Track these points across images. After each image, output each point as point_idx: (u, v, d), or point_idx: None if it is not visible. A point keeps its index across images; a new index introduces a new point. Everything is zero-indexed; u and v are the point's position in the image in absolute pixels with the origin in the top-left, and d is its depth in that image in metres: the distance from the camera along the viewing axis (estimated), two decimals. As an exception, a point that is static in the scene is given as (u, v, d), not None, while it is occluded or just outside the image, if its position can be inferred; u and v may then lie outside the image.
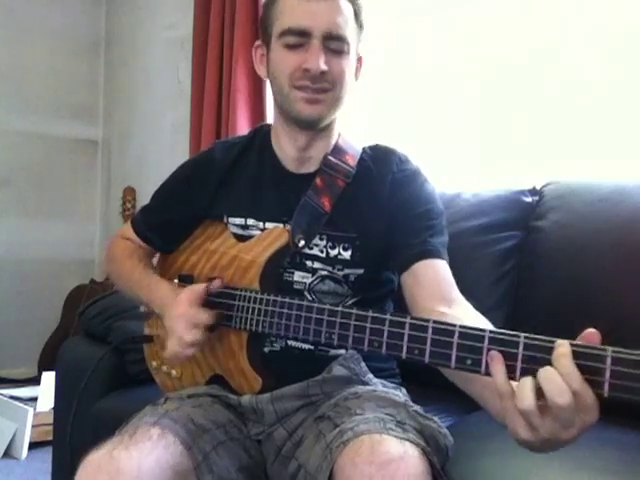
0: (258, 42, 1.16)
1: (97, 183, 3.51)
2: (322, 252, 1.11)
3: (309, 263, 1.12)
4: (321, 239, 1.11)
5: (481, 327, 0.76)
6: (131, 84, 3.31)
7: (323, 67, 1.04)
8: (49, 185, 3.33)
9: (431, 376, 1.22)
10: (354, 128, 2.11)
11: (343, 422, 0.91)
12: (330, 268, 1.11)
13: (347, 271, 1.12)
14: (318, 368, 1.08)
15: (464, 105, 2.02)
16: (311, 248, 1.11)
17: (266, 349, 1.12)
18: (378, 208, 1.11)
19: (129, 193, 3.19)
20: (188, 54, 2.69)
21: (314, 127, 1.11)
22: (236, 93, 2.32)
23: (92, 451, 0.89)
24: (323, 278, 1.12)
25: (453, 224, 1.51)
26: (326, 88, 1.06)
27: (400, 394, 1.10)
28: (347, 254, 1.11)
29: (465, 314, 0.96)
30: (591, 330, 0.70)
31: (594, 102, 1.74)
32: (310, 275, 1.12)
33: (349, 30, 1.07)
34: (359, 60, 1.14)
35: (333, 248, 1.11)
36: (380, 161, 1.15)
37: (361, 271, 1.12)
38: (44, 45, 3.28)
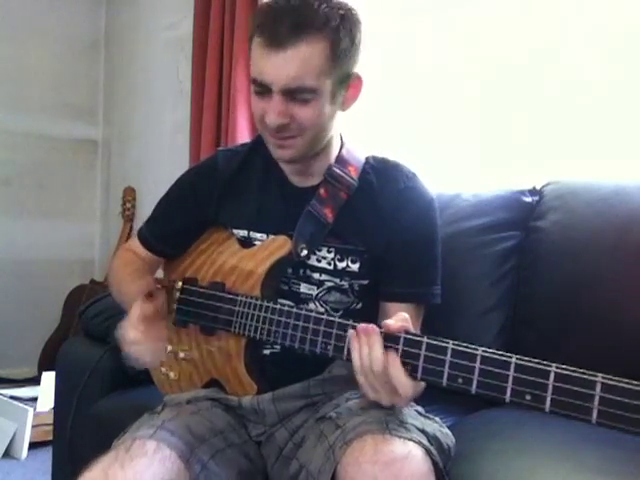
0: None
1: (97, 183, 3.51)
2: (330, 265, 1.12)
3: (316, 275, 1.12)
4: (329, 252, 1.12)
5: (473, 346, 0.81)
6: (131, 84, 3.30)
7: (277, 122, 1.02)
8: (49, 185, 3.32)
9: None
10: (354, 128, 2.12)
11: (345, 423, 0.91)
12: (337, 280, 1.12)
13: (353, 282, 1.12)
14: (319, 368, 1.09)
15: (464, 105, 2.02)
16: (319, 261, 1.12)
17: (267, 351, 1.12)
18: (383, 222, 1.11)
19: (129, 193, 3.19)
20: (188, 54, 2.69)
21: (295, 163, 1.13)
22: (236, 93, 2.32)
23: (87, 469, 0.89)
24: (329, 289, 1.12)
25: (453, 224, 1.52)
26: (291, 136, 1.05)
27: (401, 394, 1.10)
28: (355, 266, 1.12)
29: None
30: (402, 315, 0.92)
31: (594, 102, 1.74)
32: (315, 287, 1.12)
33: (316, 74, 1.00)
34: (357, 79, 1.09)
35: (341, 261, 1.12)
36: (385, 174, 1.15)
37: (366, 282, 1.13)
38: (44, 45, 3.28)
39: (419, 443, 0.85)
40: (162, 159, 2.99)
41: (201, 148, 2.47)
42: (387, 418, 0.90)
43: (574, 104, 1.78)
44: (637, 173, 1.45)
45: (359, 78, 1.10)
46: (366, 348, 0.87)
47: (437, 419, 1.01)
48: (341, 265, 1.11)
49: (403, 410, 0.95)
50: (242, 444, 1.05)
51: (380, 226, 1.11)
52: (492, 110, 1.96)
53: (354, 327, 0.91)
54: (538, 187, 1.54)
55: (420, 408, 1.02)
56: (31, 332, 3.12)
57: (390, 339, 0.88)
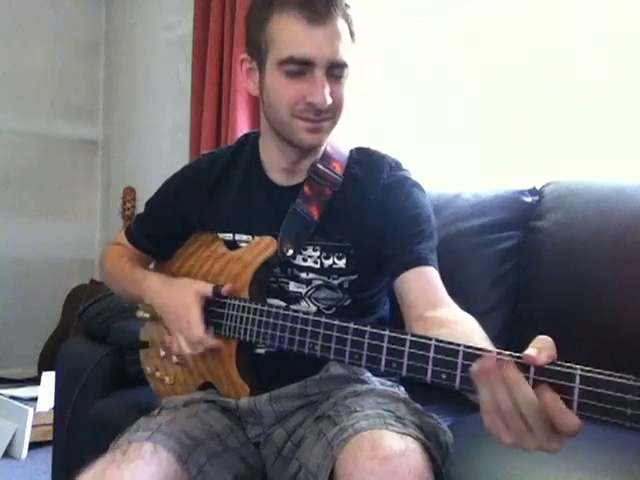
0: (244, 55, 1.12)
1: (97, 183, 3.51)
2: (316, 263, 1.11)
3: (303, 275, 1.12)
4: (315, 250, 1.11)
5: (456, 342, 0.77)
6: (131, 84, 3.30)
7: (329, 100, 1.01)
8: (49, 185, 3.32)
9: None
10: (354, 128, 2.12)
11: (343, 420, 0.91)
12: (325, 278, 1.12)
13: (342, 279, 1.12)
14: (316, 367, 1.09)
15: (464, 105, 2.02)
16: (305, 260, 1.11)
17: (262, 350, 1.12)
18: (370, 214, 1.11)
19: (129, 193, 3.18)
20: (188, 54, 2.69)
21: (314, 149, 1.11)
22: (236, 93, 2.32)
23: (84, 470, 0.89)
24: (318, 287, 1.12)
25: (453, 224, 1.52)
26: (328, 118, 1.05)
27: (399, 392, 1.10)
28: (342, 263, 1.11)
29: (449, 315, 0.97)
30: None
31: (594, 102, 1.74)
32: (305, 285, 1.12)
33: (349, 53, 1.04)
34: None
35: (327, 258, 1.11)
36: (369, 167, 1.14)
37: (355, 277, 1.12)
38: (44, 45, 3.28)
39: (417, 438, 0.84)
40: (162, 159, 2.99)
41: (201, 148, 2.47)
42: (385, 414, 0.90)
43: (574, 104, 1.78)
44: (637, 173, 1.45)
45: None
46: (503, 390, 0.67)
47: (435, 416, 1.01)
48: (327, 263, 1.11)
49: (400, 407, 0.95)
50: (239, 447, 1.05)
51: (368, 218, 1.10)
52: (492, 110, 1.96)
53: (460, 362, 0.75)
54: (538, 187, 1.54)
55: (419, 406, 1.02)
56: (31, 332, 3.12)
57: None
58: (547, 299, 1.39)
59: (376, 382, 1.11)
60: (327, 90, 1.01)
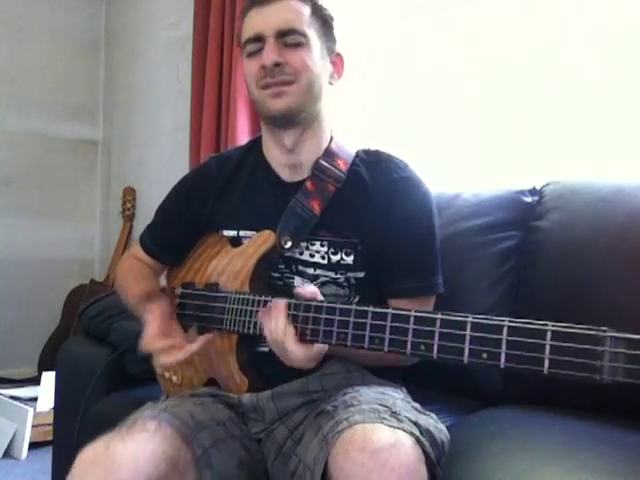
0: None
1: (97, 183, 3.51)
2: (324, 258, 1.12)
3: (310, 270, 1.12)
4: (322, 245, 1.12)
5: (432, 311, 0.83)
6: (131, 84, 3.30)
7: (275, 59, 1.07)
8: (49, 185, 3.33)
9: (431, 376, 1.23)
10: (354, 128, 2.12)
11: (339, 414, 0.92)
12: (332, 274, 1.12)
13: (349, 274, 1.12)
14: (318, 367, 1.08)
15: (464, 105, 2.02)
16: (313, 255, 1.12)
17: (265, 348, 1.12)
18: (377, 214, 1.11)
19: (129, 193, 3.19)
20: (188, 54, 2.69)
21: (290, 121, 1.12)
22: (236, 93, 2.32)
23: (89, 444, 0.89)
24: (324, 283, 1.12)
25: (453, 224, 1.52)
26: (287, 80, 1.09)
27: (399, 390, 1.11)
28: (349, 259, 1.12)
29: None
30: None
31: (594, 102, 1.74)
32: (310, 281, 1.12)
33: (304, 23, 1.10)
34: (338, 57, 1.17)
35: (335, 254, 1.12)
36: (375, 168, 1.15)
37: (362, 274, 1.13)
38: (44, 45, 3.28)
39: (409, 432, 0.85)
40: (162, 159, 2.99)
41: (201, 148, 2.47)
42: (380, 409, 0.90)
43: (574, 104, 1.78)
44: (637, 173, 1.45)
45: (340, 56, 1.18)
46: (274, 321, 0.96)
47: (433, 415, 1.01)
48: (335, 258, 1.12)
49: (397, 403, 0.96)
50: (243, 438, 1.06)
51: (374, 217, 1.11)
52: (492, 110, 1.96)
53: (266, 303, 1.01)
54: (538, 187, 1.54)
55: (418, 405, 1.02)
56: (31, 332, 3.12)
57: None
58: (547, 298, 1.39)
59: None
60: (275, 52, 1.07)
